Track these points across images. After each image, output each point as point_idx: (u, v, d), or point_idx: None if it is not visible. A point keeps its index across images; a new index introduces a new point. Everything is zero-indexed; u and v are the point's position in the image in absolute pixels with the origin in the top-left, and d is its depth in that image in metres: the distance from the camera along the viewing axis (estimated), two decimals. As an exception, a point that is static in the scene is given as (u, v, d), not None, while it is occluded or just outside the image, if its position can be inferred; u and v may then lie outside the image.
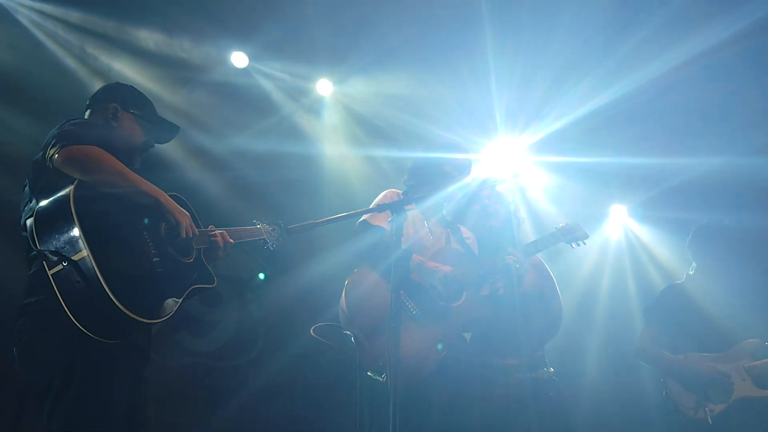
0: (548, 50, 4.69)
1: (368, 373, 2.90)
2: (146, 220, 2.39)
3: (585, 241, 3.57)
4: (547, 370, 3.39)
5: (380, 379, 2.83)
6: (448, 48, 4.94)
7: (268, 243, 2.94)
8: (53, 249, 2.15)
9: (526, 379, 3.28)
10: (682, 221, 4.94)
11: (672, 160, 4.98)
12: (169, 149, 4.91)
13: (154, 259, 2.34)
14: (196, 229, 2.51)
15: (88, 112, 2.69)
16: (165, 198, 2.42)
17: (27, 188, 2.40)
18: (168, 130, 2.83)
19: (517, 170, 3.71)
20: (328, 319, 3.20)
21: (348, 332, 2.96)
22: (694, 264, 3.97)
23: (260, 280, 5.36)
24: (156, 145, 2.82)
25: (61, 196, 2.22)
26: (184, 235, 2.42)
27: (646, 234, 5.94)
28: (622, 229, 6.15)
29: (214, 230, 2.72)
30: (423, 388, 2.93)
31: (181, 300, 2.39)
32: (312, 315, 4.10)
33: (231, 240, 2.75)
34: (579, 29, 4.47)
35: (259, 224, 2.94)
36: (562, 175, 5.63)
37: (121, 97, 2.69)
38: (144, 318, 2.17)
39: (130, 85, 2.83)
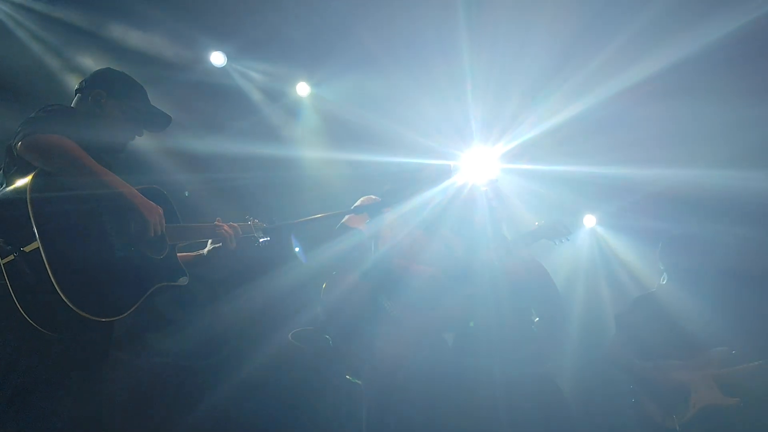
0: (523, 60, 4.77)
1: (347, 377, 2.90)
2: (113, 215, 2.33)
3: (568, 237, 3.56)
4: (540, 367, 3.29)
5: (359, 382, 2.82)
6: (425, 54, 4.98)
7: (258, 241, 2.92)
8: (6, 238, 2.10)
9: (502, 380, 3.18)
10: (653, 230, 5.04)
11: (641, 170, 5.08)
12: (145, 147, 4.84)
13: (118, 254, 2.29)
14: (164, 226, 2.45)
15: (76, 98, 2.63)
16: (132, 193, 2.36)
17: (1, 171, 2.35)
18: (159, 119, 2.75)
19: (495, 175, 3.75)
20: (304, 321, 3.20)
21: (327, 336, 2.95)
22: (665, 274, 4.04)
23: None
24: (137, 139, 2.76)
25: (21, 184, 2.18)
26: (151, 234, 2.37)
27: (618, 243, 6.03)
28: (595, 238, 6.24)
29: (221, 223, 2.71)
30: (401, 391, 2.93)
31: (142, 299, 2.33)
32: (289, 317, 4.07)
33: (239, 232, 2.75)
34: (552, 40, 4.55)
35: (250, 221, 2.92)
36: (537, 184, 5.69)
37: (108, 83, 2.63)
38: (94, 315, 2.11)
39: (121, 72, 2.75)
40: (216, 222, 2.78)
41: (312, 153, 5.59)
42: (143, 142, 4.76)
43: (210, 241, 2.81)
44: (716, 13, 4.09)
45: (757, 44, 4.18)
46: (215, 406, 4.55)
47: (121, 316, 2.24)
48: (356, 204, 3.32)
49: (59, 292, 2.03)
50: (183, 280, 2.56)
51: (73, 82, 2.78)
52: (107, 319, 2.20)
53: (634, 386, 3.82)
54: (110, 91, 2.60)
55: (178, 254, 2.66)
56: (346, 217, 3.17)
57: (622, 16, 4.34)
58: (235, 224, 2.83)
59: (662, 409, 3.64)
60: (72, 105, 2.62)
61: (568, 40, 4.51)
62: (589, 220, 6.16)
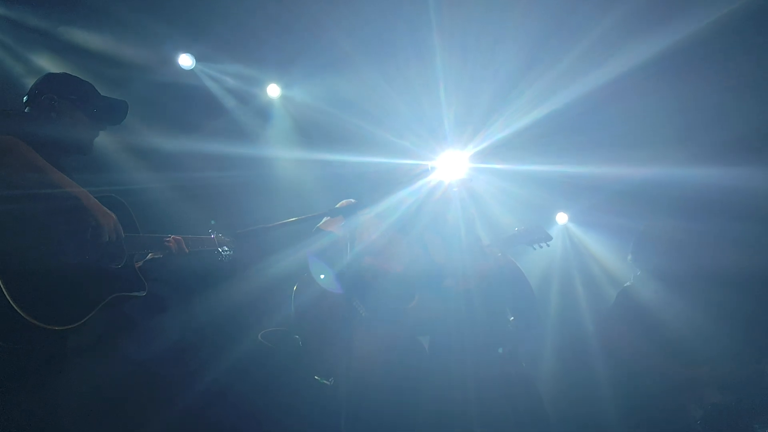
0: (494, 60, 4.83)
1: (315, 377, 2.89)
2: (68, 221, 2.29)
3: (548, 243, 3.57)
4: (515, 367, 3.26)
5: (327, 382, 2.82)
6: (399, 56, 5.00)
7: (222, 255, 2.89)
8: None
9: (475, 380, 3.16)
10: (622, 227, 5.13)
11: (609, 169, 5.17)
12: (113, 149, 4.76)
13: (72, 261, 2.24)
14: (120, 232, 2.41)
15: (27, 109, 2.58)
16: (87, 198, 2.32)
17: None
18: (116, 108, 2.72)
19: (468, 175, 3.77)
20: (277, 323, 3.18)
21: (297, 336, 2.94)
22: (638, 271, 4.05)
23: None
24: (104, 140, 2.73)
25: None
26: (106, 239, 2.33)
27: (590, 239, 6.11)
28: (568, 235, 6.31)
29: (170, 237, 2.66)
30: (373, 392, 2.93)
31: (96, 309, 2.28)
32: (260, 319, 4.04)
33: (186, 249, 2.71)
34: (523, 40, 4.62)
35: (214, 235, 2.91)
36: (509, 183, 5.75)
37: (54, 86, 2.59)
38: (45, 323, 2.07)
39: (63, 72, 2.71)
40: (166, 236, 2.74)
41: (284, 154, 5.56)
42: (111, 144, 4.71)
43: (150, 253, 2.75)
44: (679, 15, 4.18)
45: (719, 45, 4.29)
46: (187, 411, 4.49)
47: (72, 326, 2.19)
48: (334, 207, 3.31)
49: (8, 299, 1.98)
50: (140, 291, 2.52)
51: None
52: (58, 328, 2.14)
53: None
54: (59, 93, 2.56)
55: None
56: (324, 219, 3.17)
57: (588, 19, 4.43)
58: (181, 238, 2.77)
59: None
60: (22, 112, 2.58)
61: (536, 43, 4.59)
62: (562, 218, 6.23)
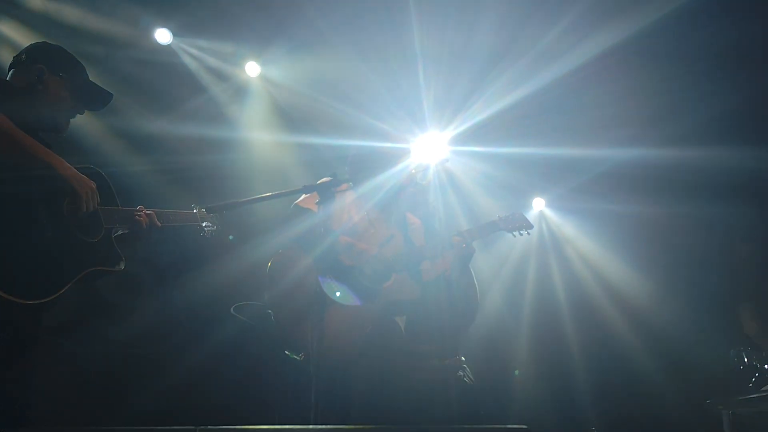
0: (471, 43, 4.82)
1: (286, 352, 2.88)
2: (44, 193, 2.23)
3: (529, 231, 3.59)
4: (458, 358, 3.30)
5: (297, 358, 2.82)
6: (376, 35, 4.97)
7: (204, 230, 2.81)
8: None
9: (440, 365, 3.17)
10: (600, 211, 5.17)
11: (587, 151, 5.19)
12: (89, 128, 4.68)
13: (47, 234, 2.19)
14: (97, 201, 2.35)
15: (10, 73, 2.50)
16: (65, 167, 2.26)
17: None
18: (100, 96, 2.67)
19: (446, 157, 3.77)
20: (253, 299, 3.16)
21: (269, 311, 2.93)
22: None
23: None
24: (79, 120, 2.67)
25: None
26: (84, 208, 2.28)
27: (567, 224, 6.14)
28: (544, 221, 6.34)
29: (142, 210, 2.59)
30: (345, 371, 2.93)
31: (71, 282, 2.24)
32: (239, 297, 4.02)
33: (159, 223, 2.63)
34: (503, 21, 4.62)
35: (196, 209, 2.82)
36: (488, 166, 5.75)
37: (48, 58, 2.51)
38: (18, 297, 2.02)
39: (59, 46, 2.63)
40: (138, 209, 2.64)
41: (263, 135, 5.50)
42: (86, 124, 4.62)
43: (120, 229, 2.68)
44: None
45: (693, 26, 4.31)
46: (162, 393, 4.46)
47: (47, 299, 2.15)
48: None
49: None
50: (119, 265, 2.46)
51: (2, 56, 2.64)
52: (32, 302, 2.10)
53: None
54: (51, 66, 2.48)
55: None
56: (302, 197, 3.14)
57: (566, 1, 4.42)
58: (153, 212, 2.66)
59: None
60: (7, 79, 2.51)
61: (515, 23, 4.59)
62: (538, 204, 6.25)
